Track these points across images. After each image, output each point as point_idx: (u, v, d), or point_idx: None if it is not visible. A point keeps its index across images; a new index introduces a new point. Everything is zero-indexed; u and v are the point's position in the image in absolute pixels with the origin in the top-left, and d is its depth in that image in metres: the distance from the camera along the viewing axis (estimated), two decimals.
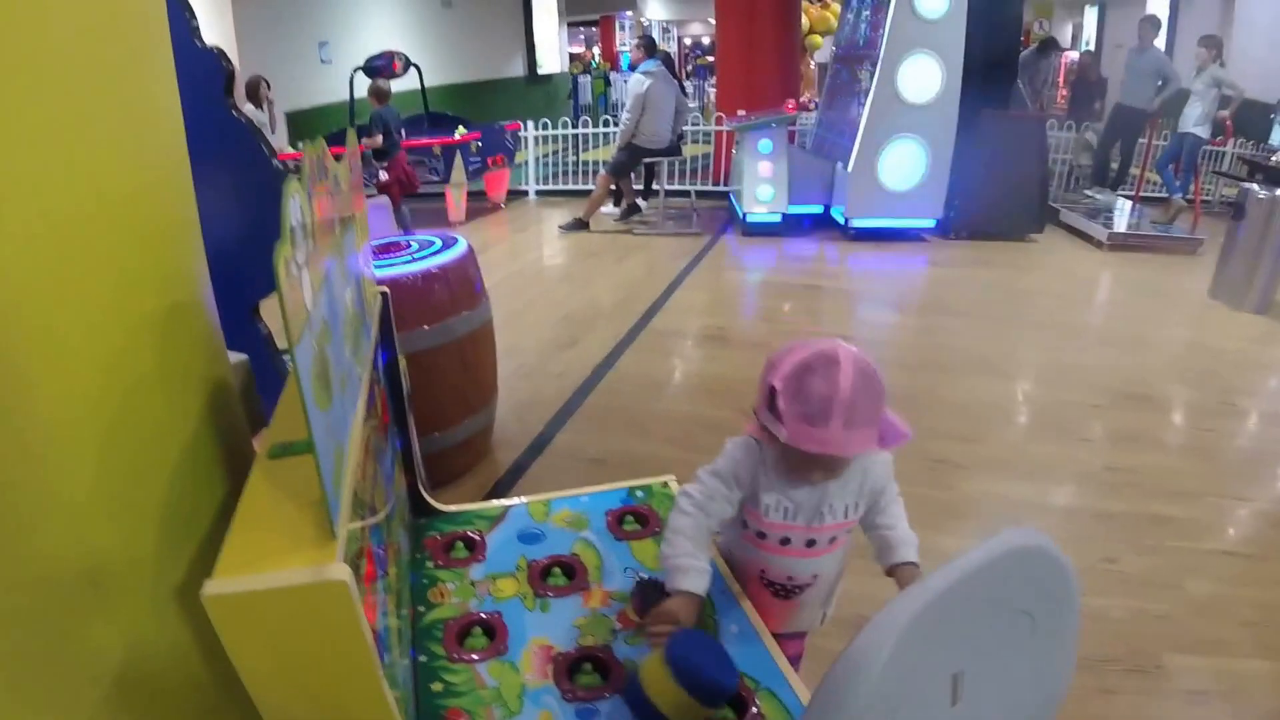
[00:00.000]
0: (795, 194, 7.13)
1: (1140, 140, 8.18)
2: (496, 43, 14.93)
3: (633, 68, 8.54)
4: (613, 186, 7.72)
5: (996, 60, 6.84)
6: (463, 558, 1.64)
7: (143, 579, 0.93)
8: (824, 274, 6.31)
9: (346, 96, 7.45)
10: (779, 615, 1.49)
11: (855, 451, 1.27)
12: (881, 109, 6.58)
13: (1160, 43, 8.79)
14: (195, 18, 2.00)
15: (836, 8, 12.21)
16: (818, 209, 7.36)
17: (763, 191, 7.07)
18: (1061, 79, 14.11)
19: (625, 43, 21.61)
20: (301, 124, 9.53)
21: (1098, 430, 3.61)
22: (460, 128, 8.01)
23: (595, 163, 9.12)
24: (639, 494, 1.83)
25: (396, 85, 7.69)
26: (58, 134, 0.83)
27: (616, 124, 7.89)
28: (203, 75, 1.98)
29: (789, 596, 1.48)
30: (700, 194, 8.50)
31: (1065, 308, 5.39)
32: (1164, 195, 7.93)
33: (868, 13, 7.15)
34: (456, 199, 8.07)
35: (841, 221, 7.03)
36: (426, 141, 7.95)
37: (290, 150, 8.10)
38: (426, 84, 8.45)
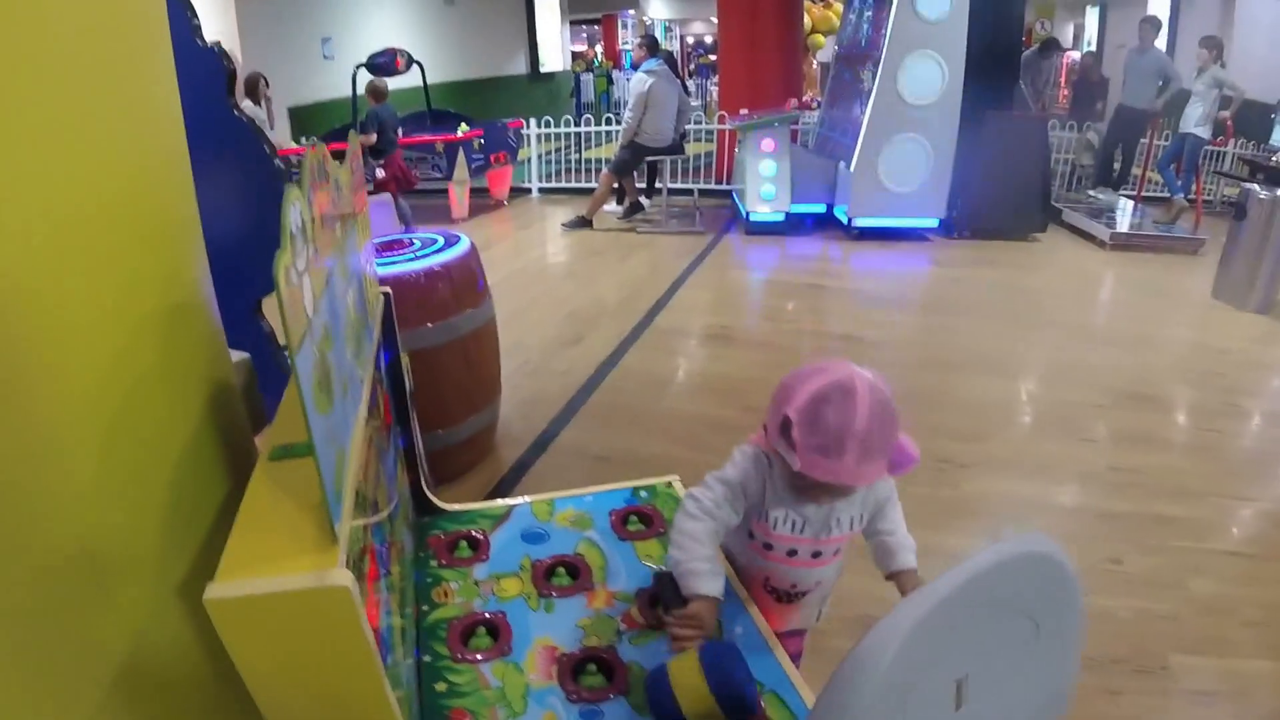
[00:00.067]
0: (798, 193, 7.12)
1: (1142, 140, 8.17)
2: (499, 40, 14.93)
3: (635, 66, 8.53)
4: (615, 185, 7.71)
5: (998, 60, 6.83)
6: (466, 557, 1.64)
7: (145, 576, 0.93)
8: (827, 273, 6.30)
9: (349, 93, 7.47)
10: (780, 616, 1.50)
11: (867, 482, 1.28)
12: (884, 109, 6.58)
13: (1161, 43, 8.79)
14: (196, 16, 1.99)
15: (838, 7, 12.21)
16: (820, 208, 7.35)
17: (766, 190, 7.07)
18: (1063, 79, 14.10)
19: (628, 41, 21.61)
20: (304, 119, 9.55)
21: (1101, 430, 3.60)
22: (463, 125, 8.01)
23: (598, 161, 9.12)
24: (643, 494, 1.83)
25: (399, 82, 7.70)
26: (58, 134, 0.83)
27: (619, 122, 7.88)
28: (204, 74, 1.98)
29: (791, 601, 1.49)
30: (703, 193, 8.51)
31: (1068, 307, 5.38)
32: (1165, 195, 7.92)
33: (869, 13, 7.14)
34: (459, 196, 8.07)
35: (844, 221, 7.03)
36: (429, 138, 7.95)
37: (291, 145, 8.11)
38: (429, 81, 8.45)
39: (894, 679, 0.79)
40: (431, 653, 1.38)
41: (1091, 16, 16.47)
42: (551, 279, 6.25)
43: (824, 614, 1.59)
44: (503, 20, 15.08)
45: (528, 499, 1.83)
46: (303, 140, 8.59)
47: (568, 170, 9.46)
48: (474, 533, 1.70)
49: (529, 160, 9.30)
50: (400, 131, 7.25)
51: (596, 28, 22.34)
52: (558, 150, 9.57)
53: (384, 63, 7.38)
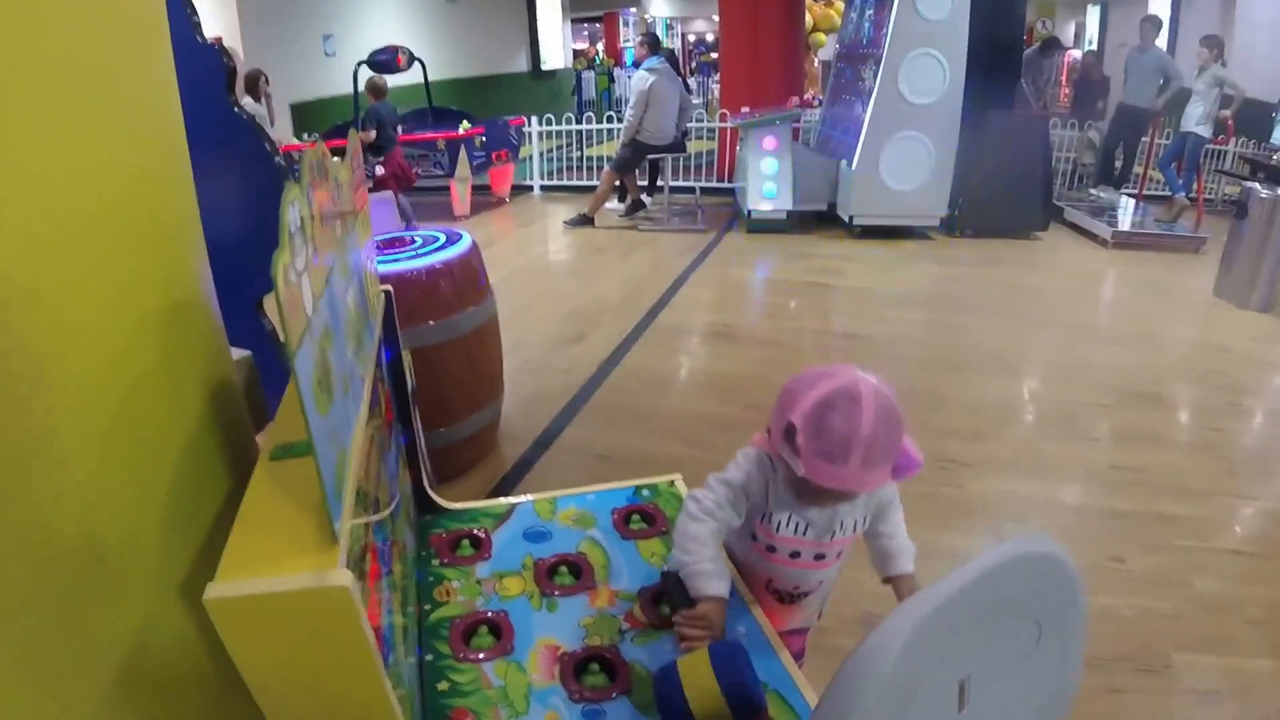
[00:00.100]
0: (800, 191, 7.11)
1: (1143, 139, 8.16)
2: (501, 38, 14.93)
3: (637, 64, 8.52)
4: (617, 183, 7.70)
5: (999, 59, 6.83)
6: (468, 556, 1.63)
7: (146, 575, 0.92)
8: (829, 271, 6.29)
9: (350, 89, 7.47)
10: (782, 616, 1.50)
11: (871, 489, 1.28)
12: (885, 107, 6.57)
13: (1162, 42, 8.78)
14: (196, 14, 1.99)
15: (840, 5, 12.19)
16: (822, 206, 7.34)
17: (767, 188, 7.06)
18: (1064, 78, 14.08)
19: (629, 39, 21.60)
20: (306, 116, 9.56)
21: (1104, 428, 3.59)
22: (464, 122, 8.01)
23: (599, 158, 9.11)
24: (645, 493, 1.82)
25: (401, 79, 7.69)
26: (58, 133, 0.83)
27: (620, 120, 7.88)
28: (204, 72, 1.97)
29: (793, 602, 1.49)
30: (705, 190, 8.50)
31: (1070, 305, 5.38)
32: (1167, 194, 7.91)
33: (871, 11, 7.13)
34: (461, 194, 8.07)
35: (846, 219, 7.02)
36: (430, 136, 7.95)
37: (293, 141, 8.11)
38: (430, 79, 8.45)
39: (897, 680, 0.78)
40: (433, 652, 1.37)
41: (1092, 15, 16.45)
42: (553, 277, 6.24)
43: (824, 612, 1.59)
44: (504, 18, 15.07)
45: (530, 497, 1.82)
46: (305, 136, 8.59)
47: (569, 168, 9.45)
48: (476, 531, 1.70)
49: (530, 158, 9.29)
50: (400, 129, 7.25)
51: (598, 25, 22.33)
52: (559, 148, 9.56)
53: (385, 60, 7.38)
